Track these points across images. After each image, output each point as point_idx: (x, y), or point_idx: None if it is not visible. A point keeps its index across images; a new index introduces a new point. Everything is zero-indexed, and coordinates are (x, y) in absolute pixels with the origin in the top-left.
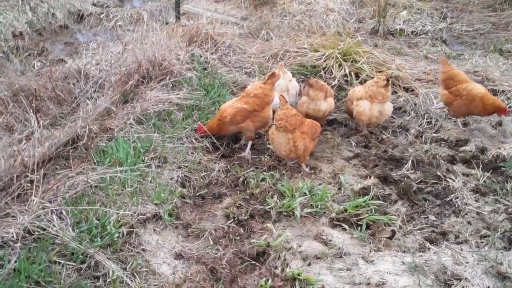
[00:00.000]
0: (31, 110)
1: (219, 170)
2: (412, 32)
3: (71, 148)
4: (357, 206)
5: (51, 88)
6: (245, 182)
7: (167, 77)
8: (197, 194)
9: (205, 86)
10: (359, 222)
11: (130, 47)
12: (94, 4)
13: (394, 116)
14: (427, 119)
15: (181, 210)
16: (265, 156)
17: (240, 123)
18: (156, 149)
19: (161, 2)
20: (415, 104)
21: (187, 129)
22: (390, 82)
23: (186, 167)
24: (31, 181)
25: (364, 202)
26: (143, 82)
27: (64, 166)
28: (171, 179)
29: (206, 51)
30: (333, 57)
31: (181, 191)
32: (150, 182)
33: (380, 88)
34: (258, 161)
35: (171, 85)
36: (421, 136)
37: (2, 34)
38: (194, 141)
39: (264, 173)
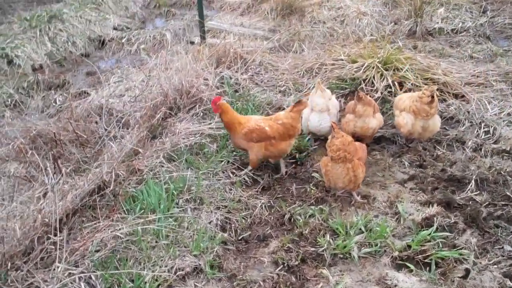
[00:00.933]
0: (51, 158)
1: (261, 207)
2: (452, 30)
3: (98, 196)
4: (421, 240)
5: (72, 129)
6: (292, 220)
7: (197, 106)
8: (239, 238)
9: (238, 111)
10: (426, 260)
11: (154, 73)
12: (115, 28)
13: (447, 128)
14: (484, 128)
15: (223, 258)
16: (311, 186)
17: (253, 141)
18: (190, 189)
19: (184, 20)
20: (468, 112)
21: (223, 162)
22: (435, 98)
23: (225, 207)
24: (55, 243)
25: (429, 235)
26: (170, 113)
27: (91, 218)
28: (209, 222)
29: (236, 71)
30: (373, 67)
31: (222, 237)
32: (187, 229)
33: (424, 104)
34: (303, 193)
35: (201, 114)
36: (480, 149)
37: (21, 68)
38: (231, 175)
39: (312, 207)
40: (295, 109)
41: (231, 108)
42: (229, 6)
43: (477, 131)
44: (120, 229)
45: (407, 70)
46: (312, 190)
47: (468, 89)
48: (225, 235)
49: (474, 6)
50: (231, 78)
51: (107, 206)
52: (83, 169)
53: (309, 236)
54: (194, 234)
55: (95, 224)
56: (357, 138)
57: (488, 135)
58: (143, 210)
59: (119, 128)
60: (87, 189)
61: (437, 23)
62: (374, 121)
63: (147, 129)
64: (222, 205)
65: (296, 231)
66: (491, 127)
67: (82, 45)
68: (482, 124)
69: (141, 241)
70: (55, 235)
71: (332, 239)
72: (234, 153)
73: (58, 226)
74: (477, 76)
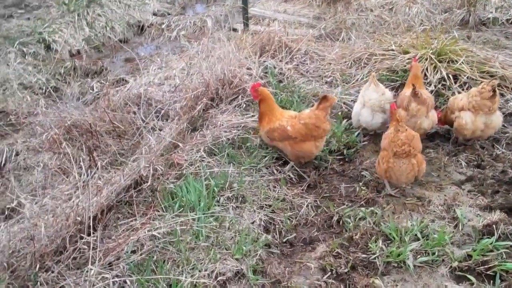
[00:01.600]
0: (86, 150)
1: (307, 207)
2: (507, 20)
3: (134, 192)
4: (483, 250)
5: (108, 120)
6: (340, 222)
7: (239, 97)
8: (284, 241)
9: (282, 102)
10: (489, 272)
11: (195, 61)
12: (154, 14)
13: (506, 125)
14: None
15: (267, 263)
16: (361, 186)
17: (275, 140)
18: (232, 186)
19: (226, 6)
20: None
21: (267, 158)
22: (497, 92)
23: (269, 206)
24: (88, 242)
25: (491, 244)
26: (212, 104)
27: (127, 214)
28: (252, 223)
29: (280, 61)
30: (426, 58)
31: (266, 239)
32: (228, 229)
33: (485, 99)
34: (352, 193)
35: (244, 105)
36: None
37: (58, 54)
38: (275, 171)
39: (362, 209)
40: (321, 106)
41: (272, 97)
42: None
43: None
44: (157, 228)
45: (462, 62)
46: (363, 190)
47: None
48: (269, 237)
49: None
50: (275, 67)
51: (144, 203)
52: (119, 162)
53: (360, 241)
54: (236, 235)
55: (131, 221)
56: None
57: None
58: (182, 208)
59: (158, 119)
60: (124, 184)
61: (491, 12)
62: (426, 122)
63: (187, 121)
64: (265, 204)
65: (346, 235)
66: None
67: (121, 31)
68: None
69: (180, 242)
70: (89, 234)
71: (385, 245)
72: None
73: (91, 224)
74: None
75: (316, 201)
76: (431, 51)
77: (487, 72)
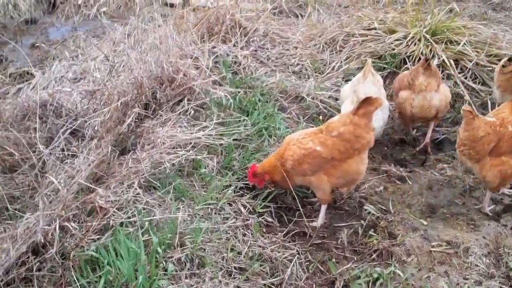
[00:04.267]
0: None
1: (294, 265)
2: None
3: (35, 262)
4: None
5: None
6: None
7: (185, 99)
8: None
9: (242, 103)
10: None
11: (121, 49)
12: None
13: None
14: None
15: None
16: (364, 226)
17: (307, 174)
18: (184, 241)
19: None
20: None
21: (229, 190)
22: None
23: (241, 270)
24: None
25: None
26: (147, 114)
27: None
28: None
29: (234, 45)
30: (419, 39)
31: None
32: None
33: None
34: (353, 237)
35: (191, 112)
36: None
37: None
38: (242, 210)
39: (377, 269)
40: (361, 111)
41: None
42: None
43: None
44: None
45: (465, 43)
46: (373, 238)
47: None
48: None
49: None
50: (228, 55)
51: (50, 279)
52: (9, 215)
53: None
54: None
55: None
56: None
57: None
58: (108, 284)
59: (69, 140)
60: (16, 254)
61: None
62: (437, 97)
63: (112, 142)
64: (234, 267)
65: None
66: None
67: (27, 9)
68: None
69: None
70: None
71: None
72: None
73: None
74: None
75: (306, 252)
76: (425, 29)
77: (495, 55)
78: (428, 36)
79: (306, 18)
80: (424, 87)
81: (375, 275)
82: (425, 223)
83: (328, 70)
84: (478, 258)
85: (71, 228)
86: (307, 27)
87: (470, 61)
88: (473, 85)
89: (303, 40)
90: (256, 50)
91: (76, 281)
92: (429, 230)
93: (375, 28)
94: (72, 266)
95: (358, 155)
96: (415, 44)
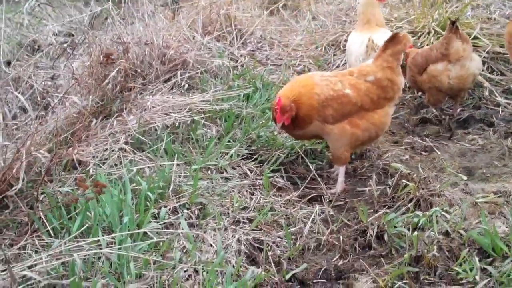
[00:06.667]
0: None
1: (313, 221)
2: None
3: None
4: None
5: None
6: (385, 237)
7: (178, 73)
8: (288, 278)
9: (240, 88)
10: None
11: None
12: None
13: None
14: None
15: None
16: (396, 182)
17: (329, 122)
18: (180, 190)
19: None
20: None
21: (231, 154)
22: None
23: (250, 220)
24: None
25: None
26: (134, 86)
27: None
28: (225, 248)
29: (230, 45)
30: (428, 32)
31: (254, 275)
32: (180, 261)
33: None
34: (383, 196)
35: (186, 86)
36: None
37: None
38: (248, 172)
39: (418, 212)
40: (390, 51)
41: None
42: None
43: None
44: (34, 263)
45: (478, 34)
46: (407, 187)
47: None
48: (259, 271)
49: None
50: (223, 51)
51: (14, 226)
52: None
53: (437, 262)
54: (196, 272)
55: None
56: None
57: None
58: (86, 230)
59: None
60: None
61: None
62: (474, 64)
63: (96, 95)
64: (243, 218)
65: (405, 255)
66: None
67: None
68: None
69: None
70: None
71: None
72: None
73: None
74: None
75: (328, 211)
76: (434, 23)
77: None
78: (438, 29)
79: (305, 22)
80: (461, 54)
81: (416, 220)
82: (464, 177)
83: (333, 67)
84: None
85: (41, 159)
86: (307, 34)
87: (485, 50)
88: (491, 76)
89: (304, 44)
90: (253, 51)
91: (46, 224)
92: (470, 185)
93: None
94: (41, 211)
95: (387, 105)
96: (425, 38)
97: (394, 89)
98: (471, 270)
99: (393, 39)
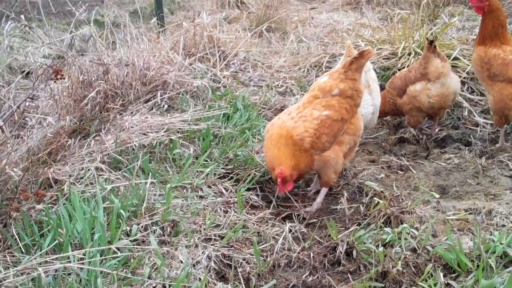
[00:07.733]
0: None
1: (284, 238)
2: None
3: None
4: None
5: None
6: (354, 254)
7: (158, 94)
8: None
9: (219, 97)
10: None
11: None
12: None
13: None
14: None
15: None
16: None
17: (326, 149)
18: (153, 208)
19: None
20: None
21: (207, 173)
22: None
23: (221, 238)
24: None
25: None
26: (113, 107)
27: None
28: (194, 265)
29: (213, 66)
30: (409, 53)
31: None
32: (149, 278)
33: None
34: (355, 214)
35: (165, 106)
36: None
37: None
38: (224, 191)
39: (387, 229)
40: (354, 65)
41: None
42: None
43: None
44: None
45: (458, 55)
46: (378, 205)
47: None
48: (228, 287)
49: None
50: (206, 73)
51: None
52: None
53: (402, 277)
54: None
55: None
56: (430, 116)
57: None
58: (57, 246)
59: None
60: None
61: None
62: (454, 81)
63: (74, 116)
64: (214, 235)
65: (372, 270)
66: None
67: None
68: None
69: None
70: None
71: (451, 278)
72: (226, 157)
73: None
74: None
75: (300, 229)
76: (414, 44)
77: None
78: (418, 50)
79: (289, 44)
80: (440, 71)
81: (385, 236)
82: (437, 195)
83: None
84: (504, 218)
85: (14, 177)
86: (290, 55)
87: (465, 71)
88: (471, 96)
89: (287, 66)
90: (236, 72)
91: (18, 240)
92: (442, 203)
93: (361, 46)
94: (14, 228)
95: (357, 111)
96: (405, 58)
97: (359, 96)
98: (435, 285)
99: (361, 54)
